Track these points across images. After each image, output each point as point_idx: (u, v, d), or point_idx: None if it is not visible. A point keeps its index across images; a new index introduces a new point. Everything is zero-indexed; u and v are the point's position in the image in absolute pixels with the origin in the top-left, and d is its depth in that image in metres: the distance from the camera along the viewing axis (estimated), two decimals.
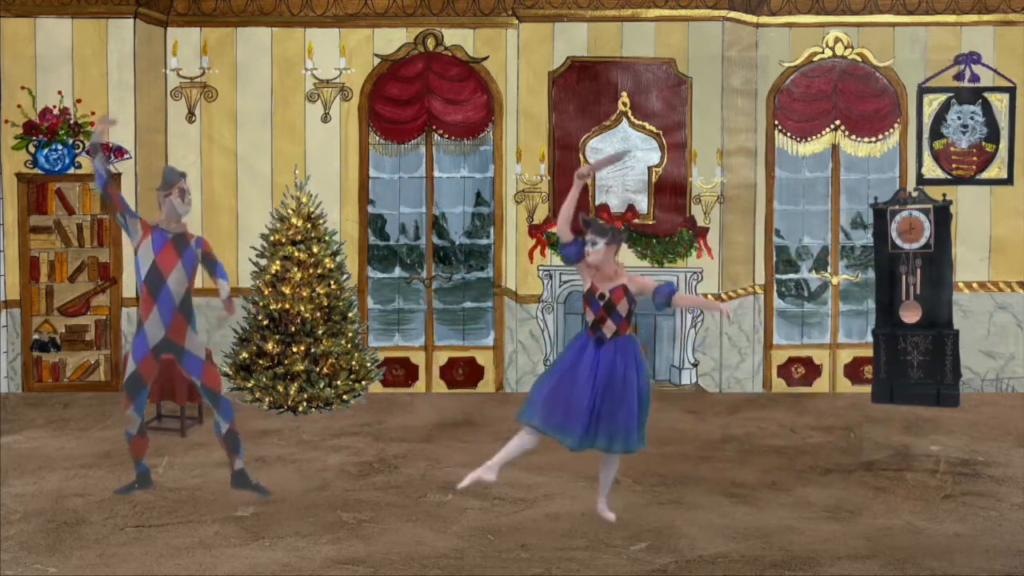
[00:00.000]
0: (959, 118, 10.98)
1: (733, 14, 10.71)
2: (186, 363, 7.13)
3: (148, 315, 6.99)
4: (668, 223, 10.75)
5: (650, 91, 10.77)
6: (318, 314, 9.79)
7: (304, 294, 9.77)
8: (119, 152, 10.56)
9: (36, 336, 10.68)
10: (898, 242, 10.41)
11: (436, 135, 11.05)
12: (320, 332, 9.77)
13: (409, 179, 11.14)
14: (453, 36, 10.99)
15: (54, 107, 10.54)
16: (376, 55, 11.00)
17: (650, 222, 10.76)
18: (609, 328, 6.37)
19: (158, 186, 7.14)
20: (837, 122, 11.00)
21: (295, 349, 9.71)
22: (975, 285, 11.02)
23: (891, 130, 11.01)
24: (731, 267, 10.88)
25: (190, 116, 10.96)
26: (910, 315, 10.37)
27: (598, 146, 10.78)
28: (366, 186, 11.08)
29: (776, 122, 11.04)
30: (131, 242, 7.09)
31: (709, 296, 10.75)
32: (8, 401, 10.24)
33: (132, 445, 7.24)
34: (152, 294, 6.97)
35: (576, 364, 6.35)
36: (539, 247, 10.76)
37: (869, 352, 10.74)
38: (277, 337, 9.75)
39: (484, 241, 11.16)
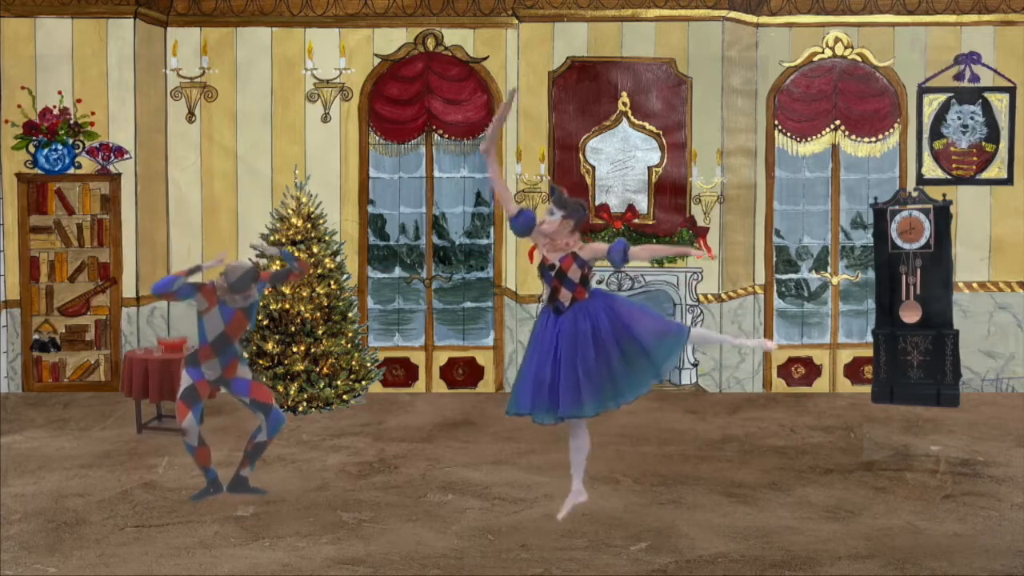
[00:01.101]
0: (959, 118, 10.98)
1: (733, 14, 10.70)
2: (235, 388, 7.23)
3: (207, 361, 7.13)
4: (668, 223, 10.75)
5: (650, 91, 10.76)
6: (318, 314, 9.80)
7: (304, 294, 9.77)
8: (119, 152, 10.57)
9: (36, 336, 10.68)
10: (898, 242, 10.41)
11: (436, 135, 11.05)
12: (320, 332, 9.77)
13: (409, 179, 11.14)
14: (453, 36, 10.99)
15: (54, 107, 10.54)
16: (376, 55, 11.00)
17: (650, 222, 10.76)
18: (565, 296, 6.29)
19: (226, 274, 7.06)
20: (837, 122, 11.00)
21: (295, 349, 9.71)
22: (975, 285, 11.02)
23: (891, 130, 11.01)
24: (731, 267, 10.87)
25: (190, 116, 10.96)
26: (910, 315, 10.37)
27: (598, 146, 10.78)
28: (366, 186, 11.08)
29: (776, 122, 11.04)
30: (196, 307, 7.15)
31: (709, 296, 10.75)
32: (8, 401, 10.24)
33: (197, 456, 7.21)
34: (216, 353, 7.11)
35: (542, 342, 6.29)
36: None
37: (869, 352, 10.73)
38: (277, 337, 9.75)
39: (484, 241, 11.16)
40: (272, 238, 9.95)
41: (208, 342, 7.10)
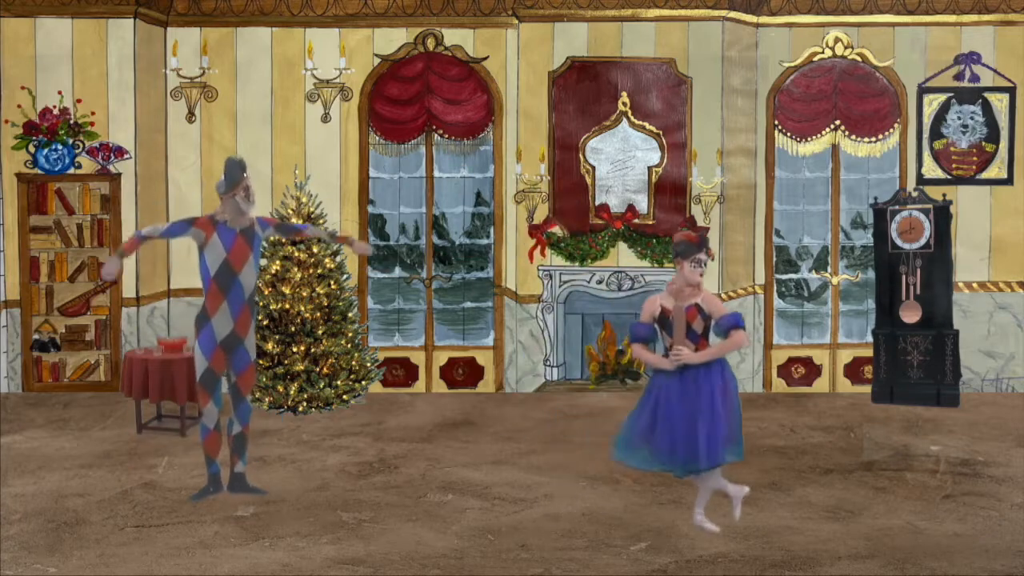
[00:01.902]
0: (959, 118, 10.98)
1: (733, 14, 10.70)
2: (237, 356, 7.10)
3: (216, 310, 6.96)
4: (668, 223, 10.74)
5: (650, 91, 10.76)
6: (318, 314, 9.79)
7: (304, 294, 9.77)
8: (119, 152, 10.57)
9: (36, 336, 10.68)
10: (898, 242, 10.41)
11: (436, 135, 11.05)
12: (320, 332, 9.77)
13: (409, 179, 11.14)
14: (453, 36, 10.99)
15: (54, 107, 10.54)
16: (376, 55, 11.00)
17: (650, 222, 10.76)
18: (688, 348, 6.26)
19: (219, 187, 6.99)
20: (837, 122, 11.00)
21: (295, 349, 9.71)
22: (975, 285, 11.02)
23: (891, 130, 11.01)
24: (731, 267, 10.88)
25: (190, 116, 10.96)
26: (910, 315, 10.37)
27: (598, 146, 10.78)
28: (366, 186, 11.08)
29: (776, 122, 11.04)
30: (196, 244, 7.01)
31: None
32: (8, 401, 10.24)
33: (208, 441, 7.17)
34: (223, 290, 6.93)
35: (664, 391, 6.25)
36: (539, 247, 10.76)
37: (869, 352, 10.73)
38: (277, 337, 9.75)
39: (484, 241, 11.16)
40: (272, 238, 9.94)
41: (212, 277, 6.92)
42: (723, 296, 10.82)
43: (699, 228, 10.69)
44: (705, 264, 6.29)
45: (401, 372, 11.06)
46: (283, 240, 9.86)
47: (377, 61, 11.00)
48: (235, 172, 6.94)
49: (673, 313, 6.31)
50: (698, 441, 6.16)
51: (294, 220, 9.87)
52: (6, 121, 10.54)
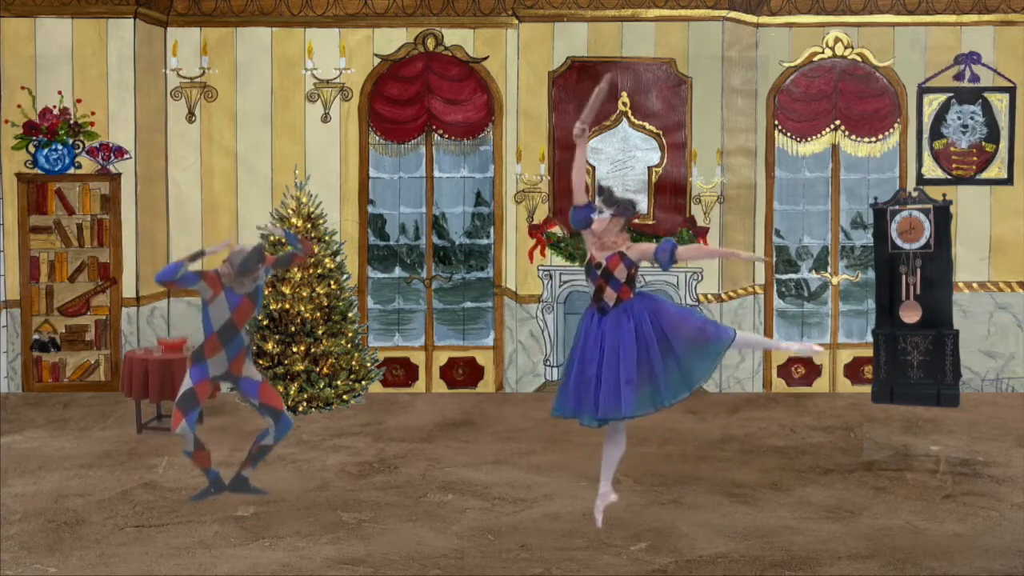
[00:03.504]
0: (959, 118, 10.98)
1: (733, 14, 10.70)
2: (243, 387, 7.15)
3: (214, 355, 7.01)
4: (668, 223, 10.74)
5: (650, 91, 10.76)
6: (318, 314, 9.80)
7: (304, 294, 9.78)
8: (119, 152, 10.57)
9: (36, 336, 10.68)
10: (898, 242, 10.41)
11: (436, 135, 11.05)
12: (320, 332, 9.77)
13: (409, 179, 11.14)
14: (453, 36, 10.99)
15: (54, 107, 10.54)
16: (376, 55, 11.00)
17: (650, 222, 10.75)
18: (610, 296, 6.25)
19: (232, 263, 6.92)
20: (837, 122, 11.00)
21: (295, 349, 9.71)
22: (975, 285, 11.02)
23: (891, 130, 11.01)
24: (731, 267, 10.88)
25: (190, 116, 10.96)
26: (910, 315, 10.36)
27: (598, 146, 10.77)
28: (366, 186, 11.08)
29: (776, 122, 11.04)
30: (201, 296, 7.02)
31: (709, 296, 10.75)
32: (8, 401, 10.24)
33: (196, 460, 7.16)
34: (223, 343, 6.99)
35: (586, 342, 6.23)
36: (539, 247, 10.76)
37: (869, 352, 10.73)
38: (277, 337, 9.76)
39: (484, 241, 11.16)
40: (272, 238, 9.93)
41: (214, 331, 6.97)
42: (723, 296, 10.82)
43: (699, 228, 10.71)
44: (600, 212, 6.27)
45: (401, 372, 11.05)
46: (283, 240, 9.85)
47: (377, 61, 11.00)
48: (251, 264, 6.92)
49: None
50: (619, 388, 6.07)
51: (293, 220, 9.88)
52: (6, 121, 10.54)
